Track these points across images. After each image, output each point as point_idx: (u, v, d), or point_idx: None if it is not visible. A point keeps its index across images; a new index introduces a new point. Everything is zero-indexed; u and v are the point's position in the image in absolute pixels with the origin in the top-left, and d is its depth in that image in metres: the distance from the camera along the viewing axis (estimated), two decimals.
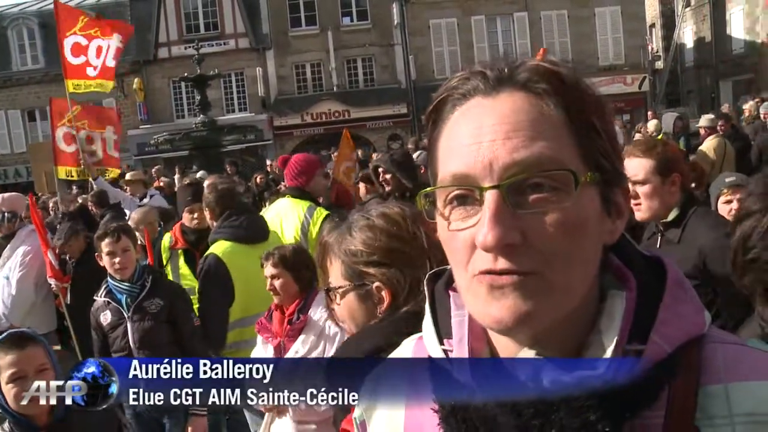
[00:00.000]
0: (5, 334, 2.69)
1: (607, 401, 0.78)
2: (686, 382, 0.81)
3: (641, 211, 3.05)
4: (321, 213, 4.82)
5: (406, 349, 1.08)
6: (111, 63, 11.12)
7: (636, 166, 3.01)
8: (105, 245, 4.15)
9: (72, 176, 10.96)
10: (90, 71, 10.83)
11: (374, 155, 13.71)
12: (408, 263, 1.57)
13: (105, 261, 4.20)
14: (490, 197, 0.77)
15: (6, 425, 2.57)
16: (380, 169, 5.45)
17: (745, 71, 32.12)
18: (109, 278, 4.19)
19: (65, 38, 10.71)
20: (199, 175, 12.28)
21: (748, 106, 13.98)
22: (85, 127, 10.88)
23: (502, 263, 0.77)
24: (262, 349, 3.53)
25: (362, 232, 1.63)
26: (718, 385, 0.81)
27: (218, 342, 4.44)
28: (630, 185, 2.96)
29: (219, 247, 4.44)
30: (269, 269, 3.42)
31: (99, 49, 11.03)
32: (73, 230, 6.70)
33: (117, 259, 4.12)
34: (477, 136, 0.80)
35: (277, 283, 3.39)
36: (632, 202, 3.00)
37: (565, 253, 0.78)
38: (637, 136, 12.23)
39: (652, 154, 3.03)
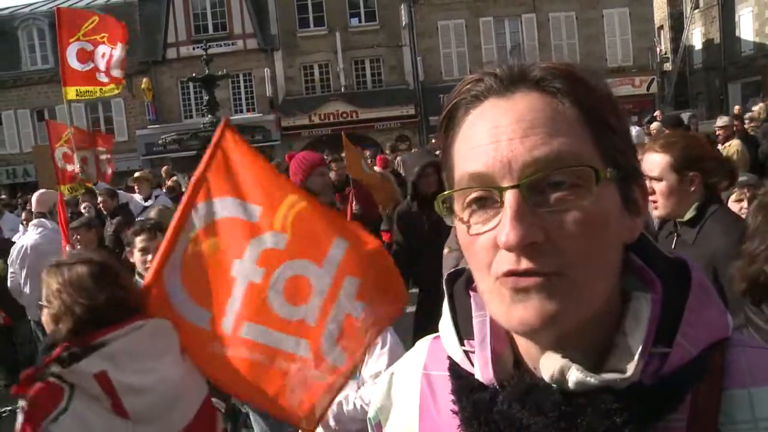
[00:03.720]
0: None
1: (633, 404, 0.77)
2: (710, 385, 0.80)
3: (657, 208, 2.93)
4: None
5: (420, 351, 1.07)
6: (117, 73, 11.16)
7: (652, 162, 2.89)
8: (140, 241, 4.01)
9: (77, 192, 11.10)
10: (101, 77, 10.86)
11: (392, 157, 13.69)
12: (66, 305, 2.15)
13: (136, 257, 4.05)
14: (510, 197, 0.76)
15: None
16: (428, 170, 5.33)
17: (754, 73, 31.99)
18: (137, 277, 3.97)
19: (68, 45, 10.58)
20: None
21: (757, 108, 13.89)
22: (86, 145, 11.06)
23: (525, 263, 0.76)
24: None
25: (54, 276, 2.23)
26: (741, 389, 0.80)
27: None
28: (647, 181, 2.90)
29: None
30: None
31: (104, 56, 10.98)
32: (88, 223, 6.95)
33: (150, 257, 3.90)
34: (494, 135, 0.80)
35: None
36: (649, 198, 2.91)
37: (587, 251, 0.77)
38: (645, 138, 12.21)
39: (671, 149, 2.89)
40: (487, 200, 0.80)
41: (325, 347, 2.24)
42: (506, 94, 0.82)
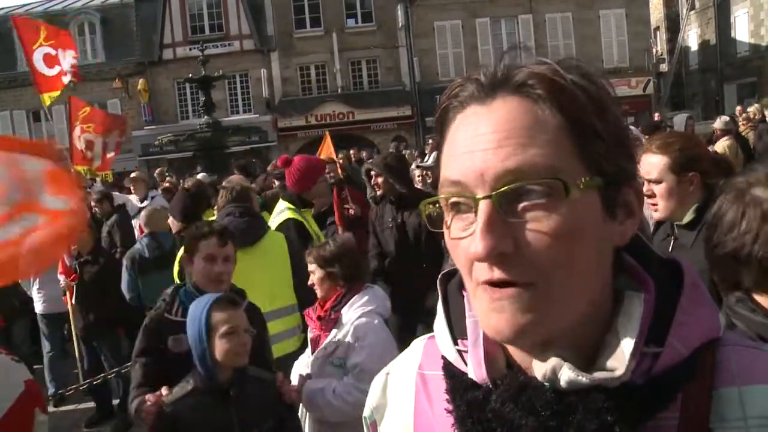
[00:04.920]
0: (219, 296, 2.98)
1: (624, 403, 0.78)
2: (701, 384, 0.81)
3: (658, 210, 2.89)
4: (282, 218, 5.07)
5: (415, 350, 1.08)
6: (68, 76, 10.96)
7: (650, 164, 2.86)
8: (205, 246, 3.38)
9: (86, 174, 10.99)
10: (65, 79, 10.74)
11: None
12: None
13: (197, 266, 3.40)
14: (482, 207, 0.77)
15: (190, 379, 2.85)
16: (372, 173, 5.51)
17: (750, 74, 32.11)
18: (192, 290, 3.34)
19: (33, 51, 10.36)
20: (200, 176, 12.27)
21: (752, 109, 13.95)
22: (91, 130, 10.91)
23: (498, 273, 0.78)
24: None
25: None
26: (732, 388, 0.81)
27: None
28: (645, 183, 2.81)
29: None
30: (308, 265, 3.51)
31: (64, 59, 10.86)
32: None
33: (217, 268, 3.37)
34: (471, 145, 0.80)
35: (313, 278, 3.48)
36: (649, 201, 2.85)
37: (560, 261, 0.77)
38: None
39: (668, 150, 2.85)
40: (465, 206, 0.81)
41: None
42: (486, 101, 0.82)
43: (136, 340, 3.32)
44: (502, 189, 0.77)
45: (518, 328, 0.78)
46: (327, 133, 9.03)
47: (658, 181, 2.86)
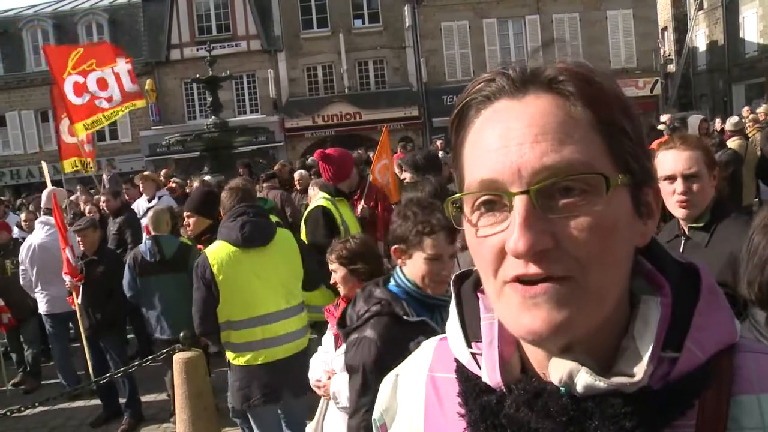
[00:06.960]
0: None
1: (641, 409, 0.76)
2: (718, 391, 0.79)
3: (690, 207, 2.88)
4: (321, 201, 5.63)
5: (425, 351, 1.07)
6: (133, 88, 10.94)
7: (689, 158, 2.86)
8: (431, 244, 2.71)
9: (76, 167, 10.96)
10: (102, 104, 10.60)
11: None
12: None
13: (417, 266, 2.73)
14: (519, 202, 0.75)
15: None
16: (402, 167, 5.76)
17: (758, 75, 31.93)
18: (415, 288, 2.73)
19: (64, 81, 10.32)
20: (206, 177, 12.28)
21: (761, 110, 13.88)
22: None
23: (534, 268, 0.75)
24: (330, 335, 3.67)
25: None
26: (750, 395, 0.79)
27: (205, 332, 4.52)
28: (680, 181, 2.83)
29: (212, 247, 4.50)
30: (330, 264, 3.60)
31: (101, 81, 10.63)
32: (93, 224, 7.01)
33: (444, 270, 2.74)
34: (505, 139, 0.78)
35: (335, 276, 3.56)
36: (680, 198, 2.87)
37: (598, 256, 0.75)
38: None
39: (699, 146, 2.91)
40: (495, 204, 0.79)
41: None
42: (518, 96, 0.81)
43: (355, 355, 2.60)
44: (540, 184, 0.75)
45: (554, 325, 0.75)
46: (385, 127, 8.19)
47: (697, 175, 2.86)
